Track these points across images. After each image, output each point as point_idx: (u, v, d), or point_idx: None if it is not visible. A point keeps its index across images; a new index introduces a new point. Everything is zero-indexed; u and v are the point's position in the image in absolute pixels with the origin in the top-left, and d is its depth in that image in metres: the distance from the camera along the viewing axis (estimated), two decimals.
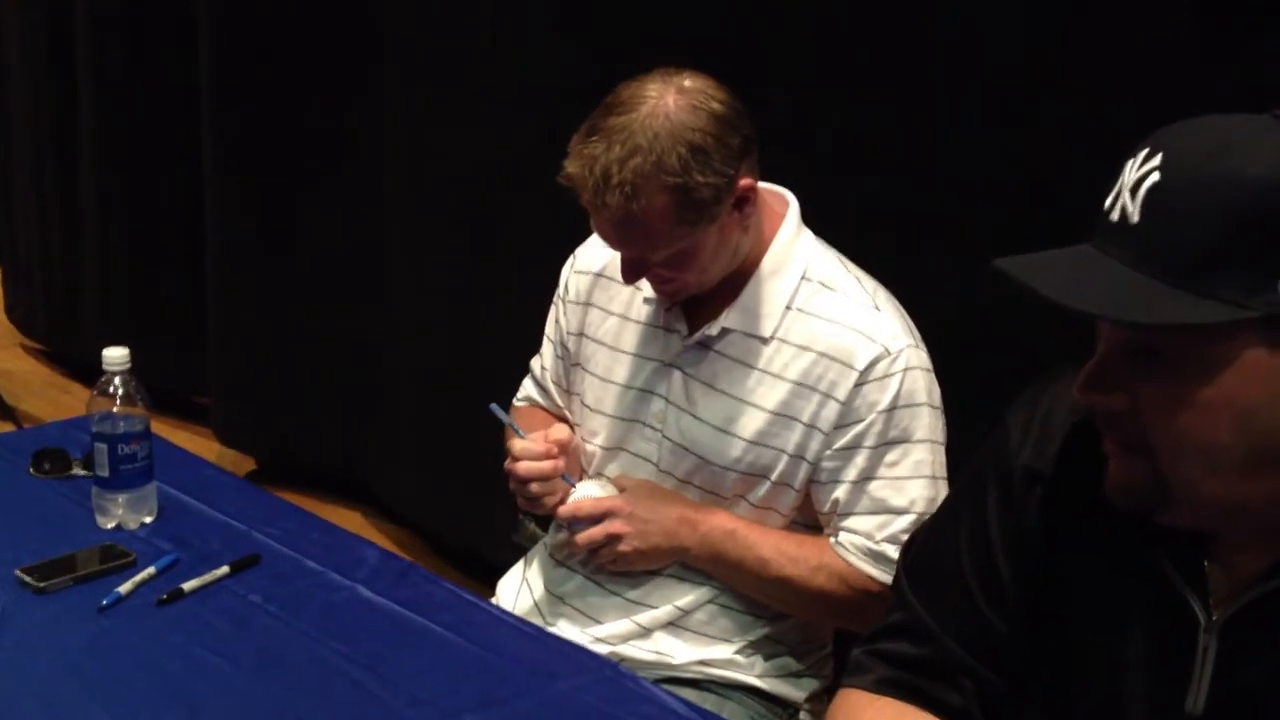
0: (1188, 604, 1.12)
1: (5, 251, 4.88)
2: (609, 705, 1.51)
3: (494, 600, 1.88)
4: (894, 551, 1.66)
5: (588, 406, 1.85)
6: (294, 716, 1.47)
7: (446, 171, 3.02)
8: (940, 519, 1.35)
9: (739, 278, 1.72)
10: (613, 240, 1.67)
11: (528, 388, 2.03)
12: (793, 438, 1.69)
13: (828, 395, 1.67)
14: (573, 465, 1.82)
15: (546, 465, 1.75)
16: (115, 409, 1.82)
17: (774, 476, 1.71)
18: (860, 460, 1.67)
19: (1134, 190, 1.03)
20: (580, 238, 1.88)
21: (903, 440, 1.67)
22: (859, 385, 1.65)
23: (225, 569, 1.75)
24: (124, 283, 4.14)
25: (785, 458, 1.70)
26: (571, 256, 1.93)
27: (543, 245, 2.02)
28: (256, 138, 3.49)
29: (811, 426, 1.68)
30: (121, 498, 1.86)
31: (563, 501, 1.77)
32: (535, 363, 2.01)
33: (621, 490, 1.78)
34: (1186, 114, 1.07)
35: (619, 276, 1.71)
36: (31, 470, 2.02)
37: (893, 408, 1.65)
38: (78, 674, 1.52)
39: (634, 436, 1.80)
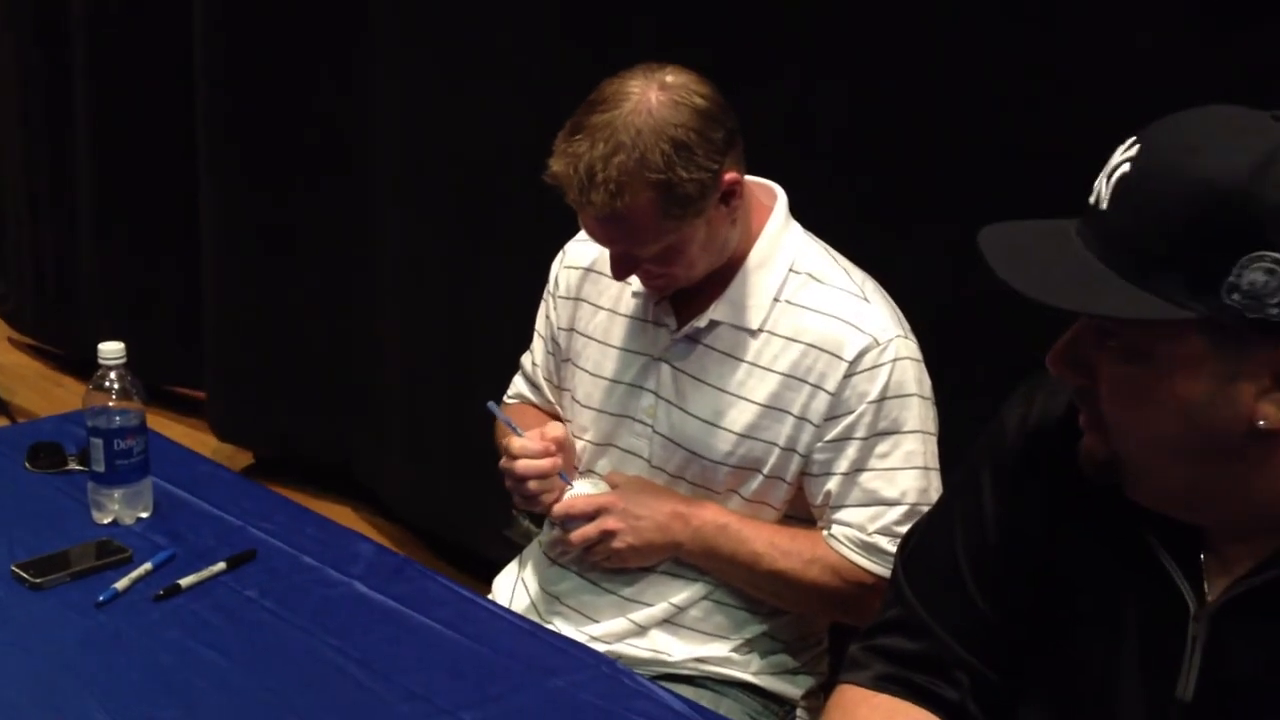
0: (1180, 592, 1.13)
1: None
2: (606, 702, 1.51)
3: (489, 598, 1.88)
4: (886, 543, 1.67)
5: (578, 402, 1.85)
6: (290, 712, 1.48)
7: (441, 169, 3.02)
8: (937, 514, 1.36)
9: (727, 270, 1.72)
10: (600, 237, 1.67)
11: (518, 384, 2.03)
12: (783, 430, 1.69)
13: (817, 387, 1.67)
14: (568, 463, 1.83)
15: (545, 464, 1.75)
16: (111, 403, 1.82)
17: (766, 470, 1.71)
18: (851, 452, 1.67)
19: (1109, 176, 1.05)
20: (573, 233, 1.89)
21: (893, 431, 1.67)
22: (848, 376, 1.66)
23: (222, 565, 1.75)
24: (119, 276, 4.13)
25: (776, 450, 1.70)
26: (561, 252, 1.93)
27: (537, 241, 2.02)
28: (252, 132, 3.48)
29: (802, 418, 1.68)
30: (117, 493, 1.86)
31: (558, 500, 1.77)
32: (526, 359, 2.01)
33: (614, 487, 1.79)
34: (1182, 106, 1.08)
35: (609, 271, 1.72)
36: (27, 465, 2.03)
37: (882, 398, 1.66)
38: (74, 670, 1.53)
39: (624, 432, 1.80)
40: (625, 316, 1.81)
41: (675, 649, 1.77)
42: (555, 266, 1.93)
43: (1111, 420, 1.10)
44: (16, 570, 1.71)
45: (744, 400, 1.71)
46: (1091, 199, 1.07)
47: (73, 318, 4.35)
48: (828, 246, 1.78)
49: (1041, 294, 1.04)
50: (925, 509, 1.60)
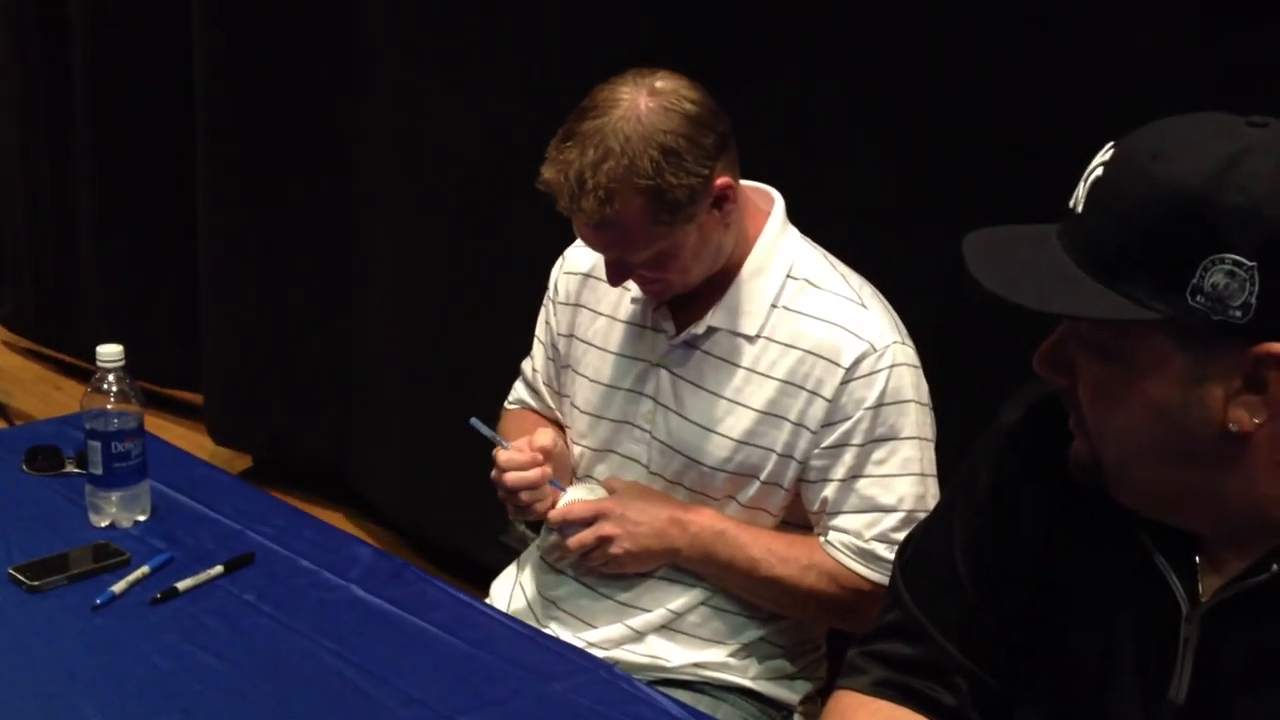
0: (1174, 594, 1.14)
1: None
2: (603, 706, 1.51)
3: (487, 602, 1.88)
4: (883, 549, 1.67)
5: (577, 408, 1.85)
6: (288, 716, 1.48)
7: (439, 170, 3.02)
8: (935, 519, 1.36)
9: (724, 276, 1.73)
10: (592, 243, 1.68)
11: (519, 390, 2.03)
12: (781, 436, 1.70)
13: (815, 393, 1.67)
14: (560, 470, 1.82)
15: (534, 474, 1.75)
16: (109, 406, 1.82)
17: (763, 476, 1.72)
18: (848, 458, 1.68)
19: (1086, 180, 1.08)
20: (568, 237, 1.89)
21: (890, 437, 1.68)
22: (845, 382, 1.66)
23: (219, 568, 1.75)
24: (118, 279, 4.12)
25: (774, 457, 1.70)
26: (561, 258, 1.93)
27: (533, 245, 2.02)
28: (251, 136, 3.47)
29: (799, 425, 1.68)
30: (115, 496, 1.85)
31: (553, 506, 1.77)
32: (526, 365, 2.01)
33: (611, 492, 1.79)
34: (1181, 106, 1.09)
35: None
36: (24, 468, 2.02)
37: (879, 405, 1.66)
38: (71, 673, 1.53)
39: (623, 438, 1.80)
40: (624, 322, 1.81)
41: (673, 654, 1.77)
42: (555, 272, 1.93)
43: (1090, 422, 1.12)
44: (14, 573, 1.70)
45: (742, 406, 1.71)
46: (1071, 202, 1.09)
47: (72, 320, 4.34)
48: (825, 252, 1.78)
49: (1009, 292, 1.06)
50: (922, 515, 1.60)
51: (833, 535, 1.71)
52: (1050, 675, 1.24)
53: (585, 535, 1.73)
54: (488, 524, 2.13)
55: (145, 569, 1.74)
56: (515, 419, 1.99)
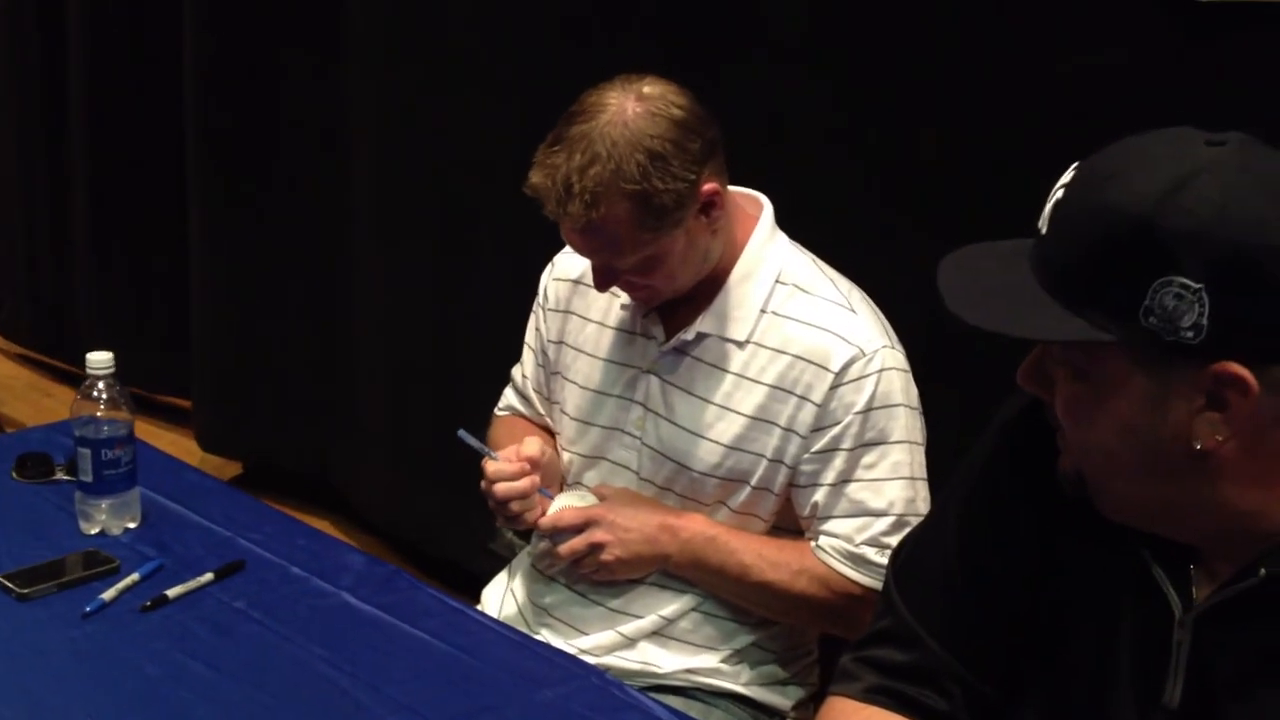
0: (1167, 599, 1.14)
1: None
2: (595, 713, 1.51)
3: (479, 609, 1.88)
4: (874, 554, 1.67)
5: (567, 414, 1.85)
6: None
7: (424, 178, 3.02)
8: (929, 525, 1.36)
9: (713, 282, 1.73)
10: (579, 248, 1.68)
11: (509, 397, 2.03)
12: (771, 442, 1.70)
13: (804, 398, 1.68)
14: (549, 478, 1.82)
15: (523, 484, 1.74)
16: (99, 413, 1.82)
17: (753, 481, 1.72)
18: (838, 463, 1.68)
19: (1050, 201, 1.09)
20: (558, 243, 1.89)
21: (880, 442, 1.68)
22: (834, 387, 1.66)
23: (210, 575, 1.75)
24: (110, 287, 4.10)
25: (764, 462, 1.70)
26: (550, 264, 1.93)
27: (520, 251, 2.02)
28: (236, 143, 3.47)
29: (789, 430, 1.69)
30: (105, 503, 1.85)
31: (543, 514, 1.77)
32: (516, 371, 2.01)
33: (602, 499, 1.79)
34: (1172, 112, 1.11)
35: None
36: (14, 475, 2.02)
37: (869, 409, 1.66)
38: (61, 681, 1.53)
39: (614, 444, 1.80)
40: (614, 329, 1.81)
41: (664, 661, 1.77)
42: (544, 279, 1.93)
43: (1069, 438, 1.14)
44: (3, 581, 1.70)
45: (731, 412, 1.71)
46: (1039, 223, 1.10)
47: (63, 329, 4.33)
48: (814, 257, 1.78)
49: (973, 315, 1.09)
50: (912, 519, 1.61)
51: (823, 540, 1.71)
52: (1046, 680, 1.24)
53: (576, 542, 1.73)
54: (476, 532, 2.13)
55: (135, 576, 1.74)
56: (505, 426, 1.99)
